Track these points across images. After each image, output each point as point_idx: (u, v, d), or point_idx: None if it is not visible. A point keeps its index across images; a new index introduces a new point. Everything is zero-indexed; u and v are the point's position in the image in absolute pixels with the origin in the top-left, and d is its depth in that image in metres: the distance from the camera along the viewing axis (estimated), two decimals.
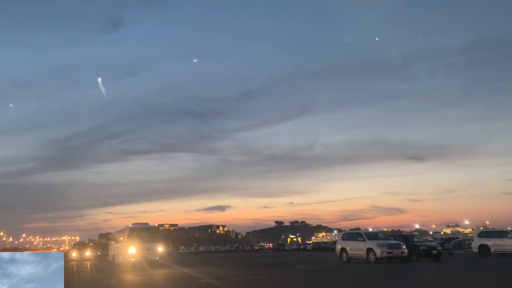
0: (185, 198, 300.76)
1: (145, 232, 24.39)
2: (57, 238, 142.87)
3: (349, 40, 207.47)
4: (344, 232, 23.30)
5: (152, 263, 22.54)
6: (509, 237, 22.97)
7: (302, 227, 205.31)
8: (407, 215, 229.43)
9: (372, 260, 19.48)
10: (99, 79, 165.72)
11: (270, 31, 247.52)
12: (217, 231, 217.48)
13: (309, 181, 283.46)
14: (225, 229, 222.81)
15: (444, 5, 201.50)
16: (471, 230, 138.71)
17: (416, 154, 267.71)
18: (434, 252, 20.62)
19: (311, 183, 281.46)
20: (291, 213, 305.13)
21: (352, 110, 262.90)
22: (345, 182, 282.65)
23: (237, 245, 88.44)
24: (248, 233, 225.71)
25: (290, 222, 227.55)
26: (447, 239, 43.66)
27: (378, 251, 19.27)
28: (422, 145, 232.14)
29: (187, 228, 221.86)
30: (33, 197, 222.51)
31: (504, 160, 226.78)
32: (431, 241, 46.99)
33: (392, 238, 21.87)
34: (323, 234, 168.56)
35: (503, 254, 23.07)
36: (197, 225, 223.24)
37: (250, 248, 75.69)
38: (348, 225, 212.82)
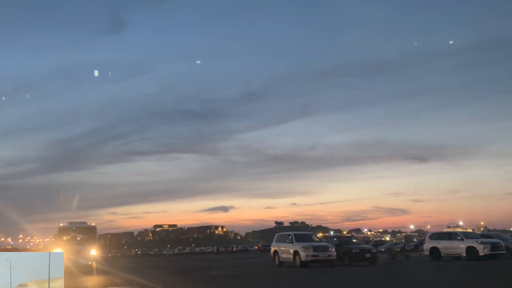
0: (188, 198, 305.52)
1: (77, 232, 22.99)
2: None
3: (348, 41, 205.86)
4: (278, 233, 22.09)
5: (84, 268, 21.36)
6: (458, 240, 21.54)
7: (301, 228, 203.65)
8: (410, 216, 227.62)
9: (298, 264, 18.28)
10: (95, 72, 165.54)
11: (271, 32, 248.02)
12: (216, 232, 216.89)
13: (311, 182, 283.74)
14: (224, 229, 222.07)
15: (444, 6, 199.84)
16: (471, 230, 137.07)
17: (418, 155, 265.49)
18: (368, 255, 19.28)
19: (314, 184, 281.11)
20: (294, 213, 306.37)
21: (355, 110, 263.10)
22: (348, 183, 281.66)
23: (239, 246, 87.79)
24: (247, 233, 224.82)
25: (290, 222, 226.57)
26: (422, 241, 42.20)
27: (303, 254, 18.02)
28: (424, 146, 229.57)
29: (186, 229, 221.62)
30: (36, 198, 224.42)
31: (506, 161, 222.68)
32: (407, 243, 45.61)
33: (324, 240, 20.65)
34: (320, 234, 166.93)
35: (457, 257, 21.70)
36: (200, 225, 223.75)
37: (231, 249, 75.52)
38: (351, 225, 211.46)
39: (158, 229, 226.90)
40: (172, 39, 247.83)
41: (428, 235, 24.54)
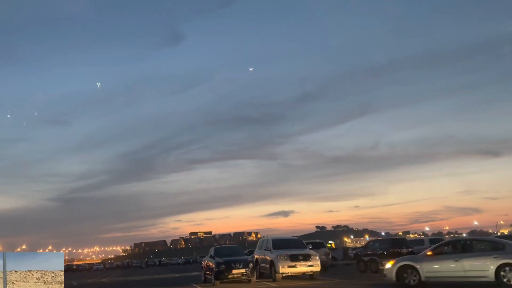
0: (249, 204, 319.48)
1: None
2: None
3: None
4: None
5: None
6: None
7: (344, 232, 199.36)
8: (485, 215, 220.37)
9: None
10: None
11: (325, 31, 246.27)
12: (249, 238, 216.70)
13: (375, 183, 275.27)
14: (259, 235, 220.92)
15: None
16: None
17: (491, 149, 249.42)
18: None
19: (377, 185, 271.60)
20: (357, 216, 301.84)
21: (418, 106, 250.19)
22: (414, 182, 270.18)
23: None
24: None
25: (332, 227, 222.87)
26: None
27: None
28: (497, 138, 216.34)
29: (218, 236, 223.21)
30: (107, 209, 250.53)
31: None
32: None
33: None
34: (348, 239, 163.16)
35: None
36: (233, 232, 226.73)
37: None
38: (419, 227, 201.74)
39: (193, 236, 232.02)
40: (226, 46, 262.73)
41: None
